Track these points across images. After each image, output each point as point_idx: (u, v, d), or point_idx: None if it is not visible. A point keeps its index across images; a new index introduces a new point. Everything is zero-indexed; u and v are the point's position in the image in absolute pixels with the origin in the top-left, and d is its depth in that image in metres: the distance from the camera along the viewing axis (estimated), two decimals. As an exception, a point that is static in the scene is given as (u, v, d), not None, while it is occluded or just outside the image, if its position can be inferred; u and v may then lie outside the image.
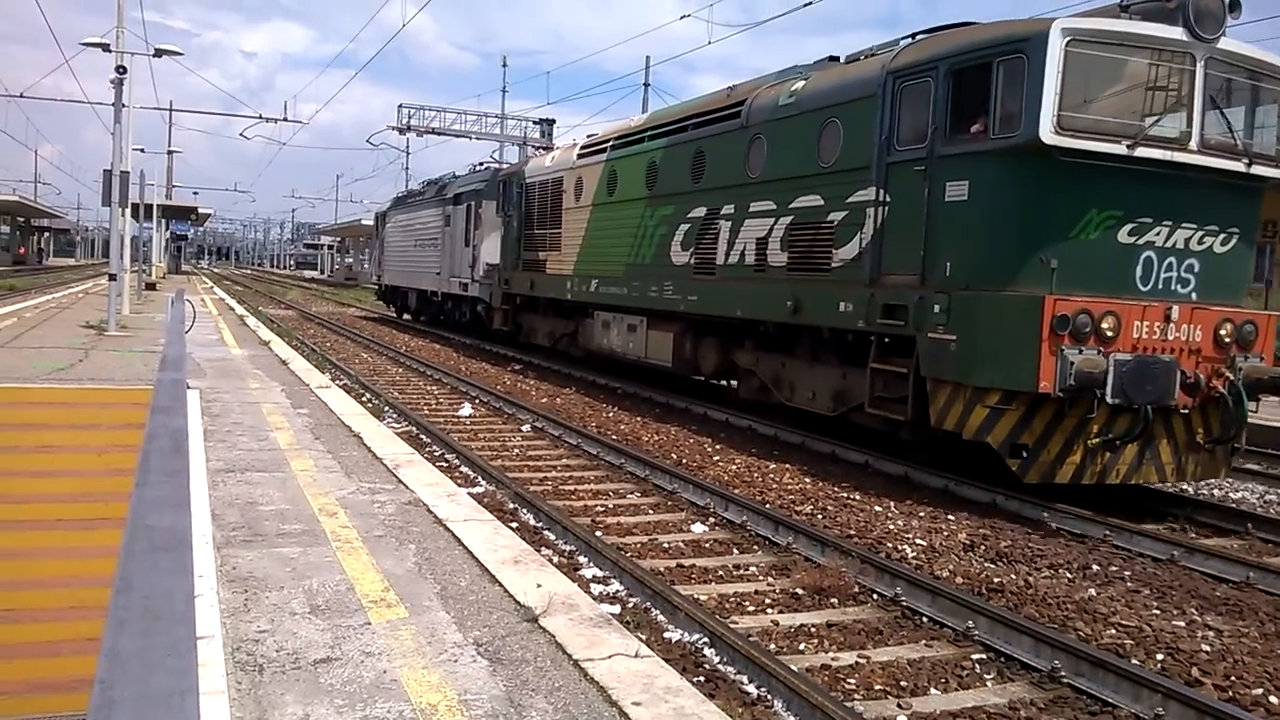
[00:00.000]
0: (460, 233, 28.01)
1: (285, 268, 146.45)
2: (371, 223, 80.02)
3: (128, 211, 24.47)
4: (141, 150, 45.39)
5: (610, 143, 18.50)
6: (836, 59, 13.33)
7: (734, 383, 15.94)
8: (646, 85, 43.31)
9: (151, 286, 39.40)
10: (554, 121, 43.58)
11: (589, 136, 21.41)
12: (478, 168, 31.40)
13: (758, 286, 13.22)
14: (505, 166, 29.78)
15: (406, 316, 37.49)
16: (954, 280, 9.80)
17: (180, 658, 1.31)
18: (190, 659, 1.31)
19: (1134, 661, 5.76)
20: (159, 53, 25.31)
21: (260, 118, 44.94)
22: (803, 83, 12.77)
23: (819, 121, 12.00)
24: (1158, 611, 6.71)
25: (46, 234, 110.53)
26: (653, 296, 16.14)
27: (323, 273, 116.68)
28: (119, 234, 21.83)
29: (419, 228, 33.29)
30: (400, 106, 43.44)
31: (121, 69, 20.78)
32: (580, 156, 19.76)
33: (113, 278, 20.49)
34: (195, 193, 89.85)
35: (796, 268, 12.40)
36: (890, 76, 10.75)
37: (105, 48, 21.79)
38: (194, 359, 14.45)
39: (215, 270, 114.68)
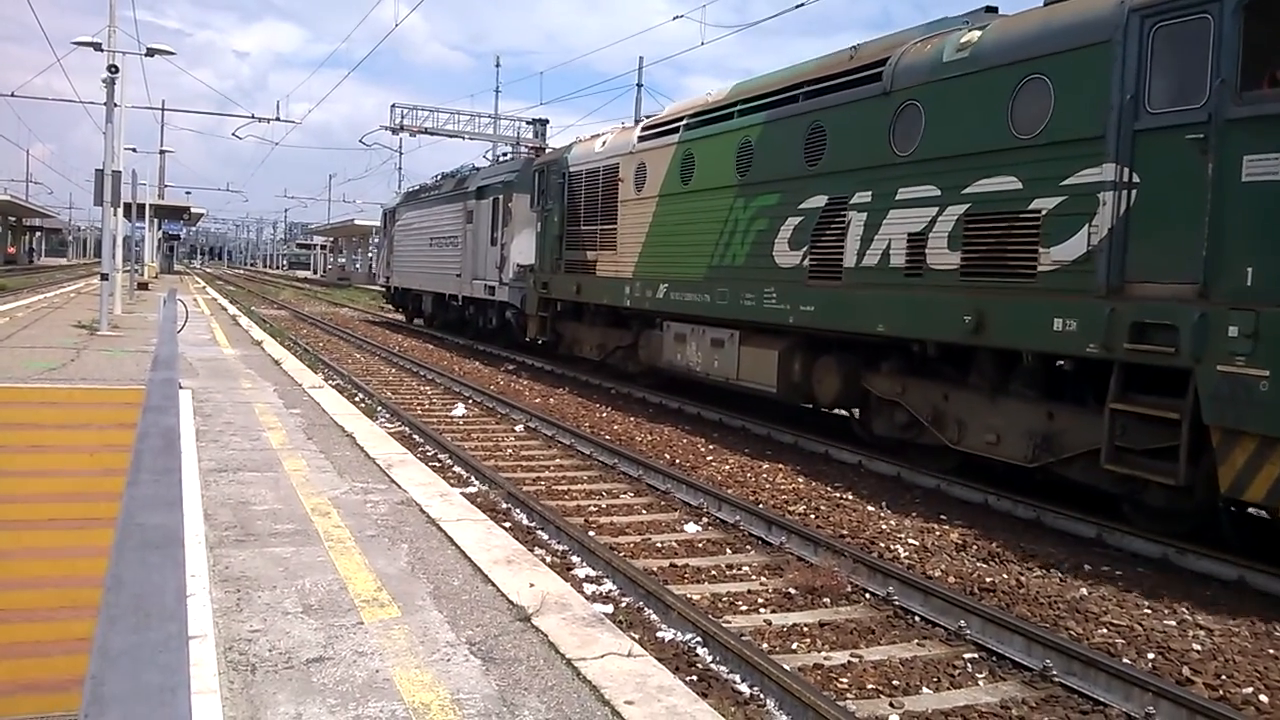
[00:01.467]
0: (485, 230, 25.17)
1: (278, 268, 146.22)
2: (364, 222, 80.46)
3: (120, 211, 24.39)
4: (134, 150, 45.35)
5: (683, 121, 15.46)
6: (994, 9, 10.85)
7: (857, 413, 12.74)
8: (640, 86, 43.31)
9: (144, 286, 39.23)
10: (547, 121, 43.57)
11: (647, 118, 18.81)
12: (502, 158, 28.59)
13: (912, 295, 10.38)
14: (543, 153, 27.63)
15: (418, 322, 34.30)
16: (1262, 292, 7.14)
17: (171, 654, 1.31)
18: (181, 655, 1.31)
19: (1125, 661, 5.77)
20: (151, 52, 25.28)
21: (253, 117, 44.82)
22: (976, 33, 10.04)
23: (1013, 80, 9.27)
24: (1149, 611, 6.73)
25: (38, 234, 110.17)
26: (747, 306, 13.23)
27: (316, 273, 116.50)
28: (111, 234, 21.76)
29: (435, 225, 30.21)
30: (393, 106, 43.34)
31: (113, 68, 20.73)
32: (642, 139, 16.64)
33: (105, 277, 20.43)
34: (188, 192, 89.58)
35: (978, 272, 9.61)
36: (1136, 16, 8.13)
37: (97, 47, 21.76)
38: (186, 359, 14.43)
39: (208, 270, 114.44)
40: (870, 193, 11.12)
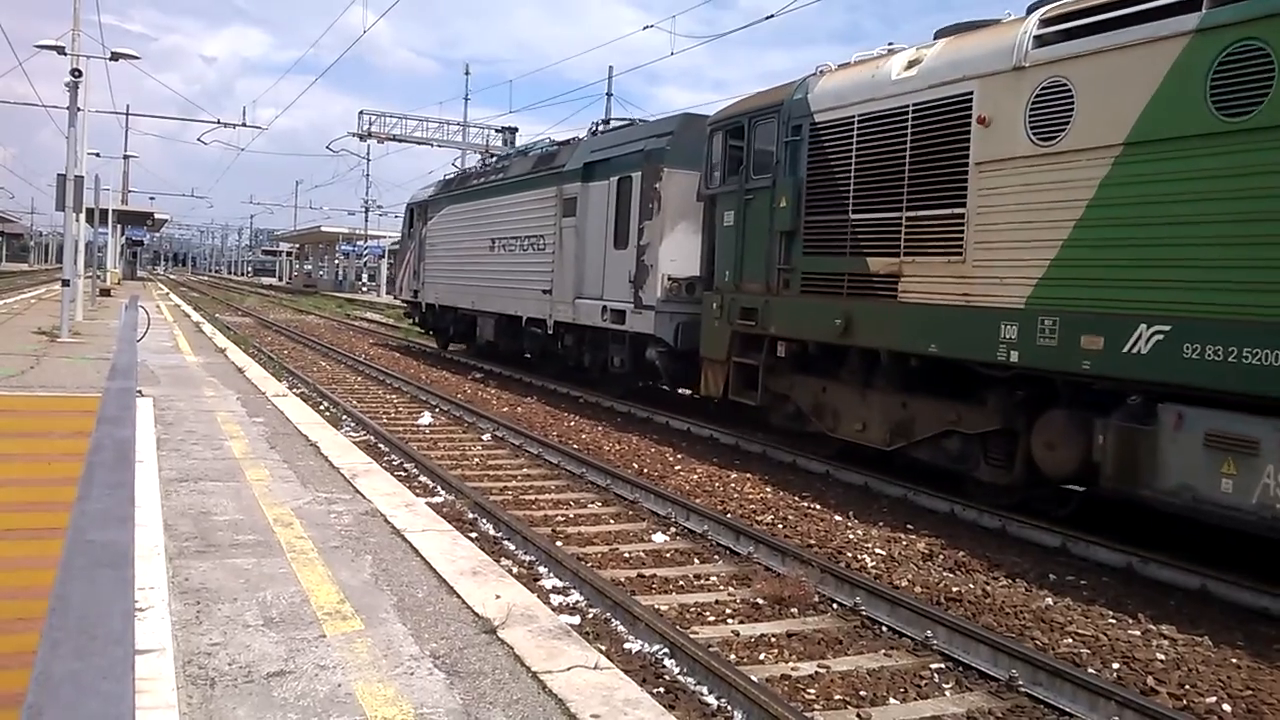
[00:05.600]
0: (601, 226, 17.21)
1: (243, 275, 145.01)
2: (331, 229, 79.92)
3: (82, 216, 24.08)
4: (97, 154, 44.76)
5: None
6: None
7: None
8: (609, 95, 43.34)
9: (106, 293, 38.84)
10: (516, 129, 43.44)
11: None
12: (595, 130, 19.97)
13: None
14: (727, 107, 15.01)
15: (455, 347, 26.81)
16: None
17: (116, 681, 1.26)
18: (126, 683, 1.26)
19: (1090, 670, 5.79)
20: (115, 56, 24.97)
21: (219, 123, 44.45)
22: None
23: None
24: (1114, 620, 6.76)
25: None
26: None
27: (281, 280, 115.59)
28: (73, 239, 21.48)
29: (501, 221, 21.75)
30: (361, 113, 43.14)
31: (76, 72, 20.50)
32: (1060, 36, 8.69)
33: (66, 283, 20.16)
34: (152, 198, 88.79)
35: None
36: None
37: (60, 50, 21.49)
38: (148, 366, 14.25)
39: (172, 276, 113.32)
40: None
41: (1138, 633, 6.53)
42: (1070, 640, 6.33)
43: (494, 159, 25.38)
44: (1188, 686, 5.66)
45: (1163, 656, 6.09)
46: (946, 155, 9.64)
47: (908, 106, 10.05)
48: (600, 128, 19.67)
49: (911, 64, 10.20)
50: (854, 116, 10.79)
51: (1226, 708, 5.42)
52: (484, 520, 8.89)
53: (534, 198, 20.02)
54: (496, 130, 44.24)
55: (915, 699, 5.57)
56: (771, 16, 24.37)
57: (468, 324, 24.38)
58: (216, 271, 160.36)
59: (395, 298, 34.54)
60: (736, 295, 12.78)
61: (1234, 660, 6.09)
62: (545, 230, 19.33)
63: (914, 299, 10.02)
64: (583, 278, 17.72)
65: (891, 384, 10.60)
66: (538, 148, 22.36)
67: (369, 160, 68.75)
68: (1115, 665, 5.95)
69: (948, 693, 5.69)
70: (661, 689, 5.36)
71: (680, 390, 16.49)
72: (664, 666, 5.72)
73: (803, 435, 12.38)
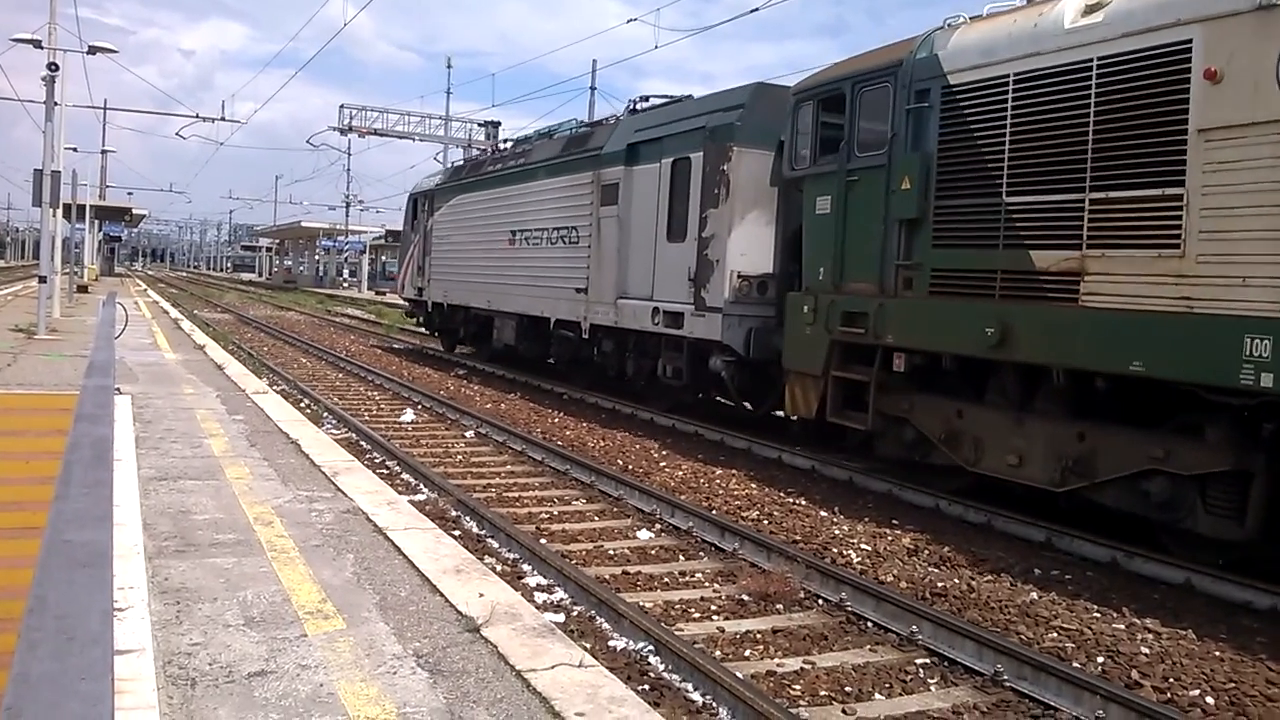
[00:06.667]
0: (650, 215, 15.02)
1: (222, 270, 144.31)
2: (311, 224, 79.52)
3: (59, 212, 23.88)
4: (74, 149, 44.37)
5: None
6: None
7: None
8: (593, 89, 43.28)
9: (84, 289, 38.55)
10: (499, 124, 43.43)
11: None
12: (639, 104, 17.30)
13: None
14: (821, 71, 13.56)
15: (462, 350, 24.78)
16: None
17: (95, 682, 1.23)
18: (105, 684, 1.23)
19: (1075, 664, 5.81)
20: (93, 50, 24.78)
21: (197, 117, 44.05)
22: None
23: None
24: (1098, 614, 6.78)
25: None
26: None
27: (261, 276, 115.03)
28: (50, 235, 21.31)
29: (526, 211, 19.37)
30: (342, 107, 43.03)
31: (53, 66, 20.31)
32: None
33: (43, 280, 20.01)
34: (130, 193, 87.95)
35: None
36: None
37: (37, 44, 21.27)
38: (126, 363, 14.12)
39: (150, 273, 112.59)
40: None
41: (1122, 627, 6.55)
42: (1055, 634, 6.34)
43: (510, 143, 22.25)
44: (1172, 680, 5.67)
45: (1147, 650, 6.11)
46: (1153, 121, 7.58)
47: (1090, 61, 8.07)
48: (638, 105, 17.18)
49: (1092, 8, 8.28)
50: (1007, 76, 8.80)
51: (1210, 701, 5.43)
52: (467, 518, 8.84)
53: (565, 184, 17.72)
54: (479, 124, 44.17)
55: (900, 694, 5.57)
56: (756, 10, 24.35)
57: (481, 325, 22.29)
58: (195, 267, 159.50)
59: (398, 296, 31.01)
60: (836, 297, 10.68)
61: (1218, 654, 6.12)
62: (579, 221, 17.10)
63: (1104, 303, 7.89)
64: (627, 275, 15.53)
65: (1063, 409, 8.57)
66: (565, 128, 20.13)
67: (350, 155, 68.51)
68: (1100, 659, 5.96)
69: (933, 688, 5.69)
70: (646, 686, 5.33)
71: (749, 407, 14.34)
72: (649, 664, 5.70)
73: (917, 466, 10.32)
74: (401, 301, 30.40)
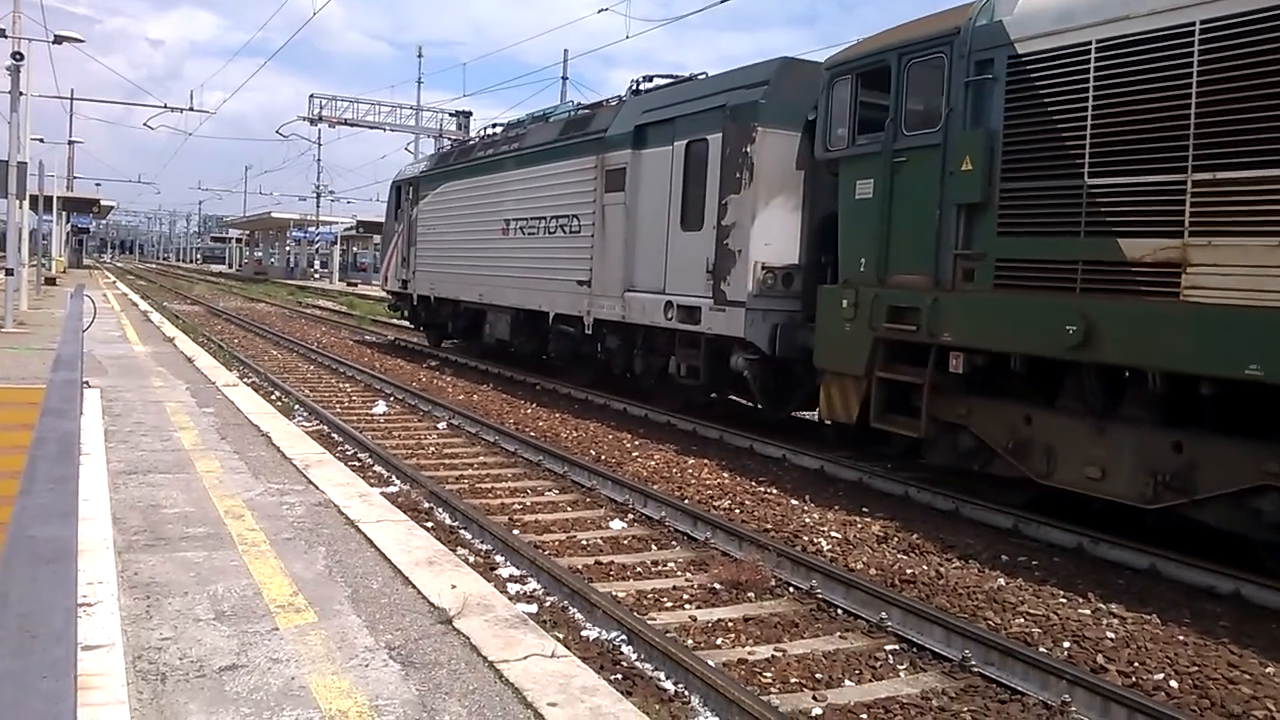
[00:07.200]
0: (663, 204, 13.85)
1: (192, 262, 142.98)
2: (281, 215, 78.93)
3: (26, 204, 23.57)
4: (41, 140, 43.83)
5: None
6: None
7: None
8: (565, 79, 43.16)
9: (51, 281, 38.15)
10: (470, 114, 43.22)
11: None
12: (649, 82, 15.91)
13: None
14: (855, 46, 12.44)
15: (448, 344, 23.92)
16: None
17: (58, 680, 1.23)
18: (67, 682, 1.23)
19: (1042, 650, 5.88)
20: (59, 39, 24.44)
21: (165, 107, 43.63)
22: None
23: None
24: (1064, 600, 6.87)
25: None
26: None
27: (231, 267, 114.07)
28: (17, 227, 21.05)
29: (521, 199, 18.15)
30: (312, 97, 42.64)
31: (18, 55, 20.06)
32: None
33: (10, 272, 19.76)
34: (97, 184, 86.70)
35: None
36: None
37: (1, 33, 21.00)
38: (94, 356, 13.99)
39: (118, 265, 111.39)
40: None
41: (1088, 612, 6.63)
42: (1022, 620, 6.42)
43: (502, 127, 21.10)
44: (1136, 664, 5.76)
45: (1112, 635, 6.20)
46: (1274, 93, 6.63)
47: (1192, 25, 7.14)
48: (642, 85, 15.89)
49: None
50: (1089, 43, 7.84)
51: (1174, 684, 5.52)
52: (440, 509, 8.84)
53: (565, 170, 16.46)
54: (450, 114, 43.93)
55: (870, 680, 5.62)
56: (725, 0, 24.31)
57: (471, 319, 21.11)
58: (165, 259, 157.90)
59: (381, 288, 29.52)
60: (881, 291, 9.71)
61: (1181, 638, 6.21)
62: (581, 209, 15.89)
63: (1212, 298, 6.97)
64: (636, 267, 14.39)
65: (1155, 416, 7.71)
66: (562, 110, 18.95)
67: (320, 145, 67.91)
68: (1066, 644, 6.04)
69: (902, 674, 5.75)
70: (619, 675, 5.36)
71: (776, 410, 13.06)
72: (622, 653, 5.73)
73: (975, 476, 9.40)
74: (382, 294, 29.01)
